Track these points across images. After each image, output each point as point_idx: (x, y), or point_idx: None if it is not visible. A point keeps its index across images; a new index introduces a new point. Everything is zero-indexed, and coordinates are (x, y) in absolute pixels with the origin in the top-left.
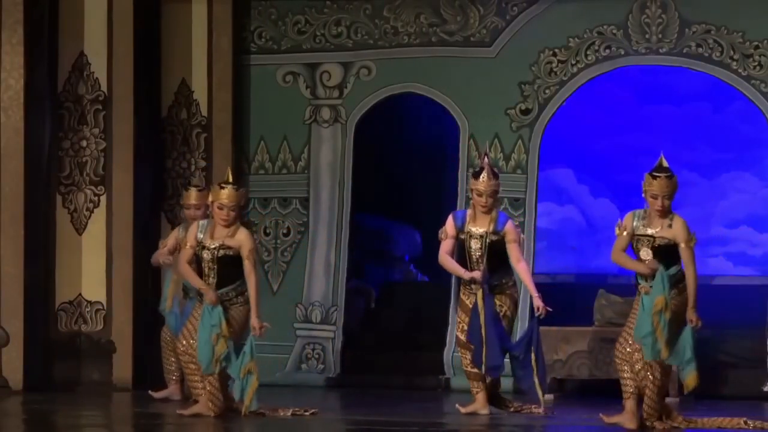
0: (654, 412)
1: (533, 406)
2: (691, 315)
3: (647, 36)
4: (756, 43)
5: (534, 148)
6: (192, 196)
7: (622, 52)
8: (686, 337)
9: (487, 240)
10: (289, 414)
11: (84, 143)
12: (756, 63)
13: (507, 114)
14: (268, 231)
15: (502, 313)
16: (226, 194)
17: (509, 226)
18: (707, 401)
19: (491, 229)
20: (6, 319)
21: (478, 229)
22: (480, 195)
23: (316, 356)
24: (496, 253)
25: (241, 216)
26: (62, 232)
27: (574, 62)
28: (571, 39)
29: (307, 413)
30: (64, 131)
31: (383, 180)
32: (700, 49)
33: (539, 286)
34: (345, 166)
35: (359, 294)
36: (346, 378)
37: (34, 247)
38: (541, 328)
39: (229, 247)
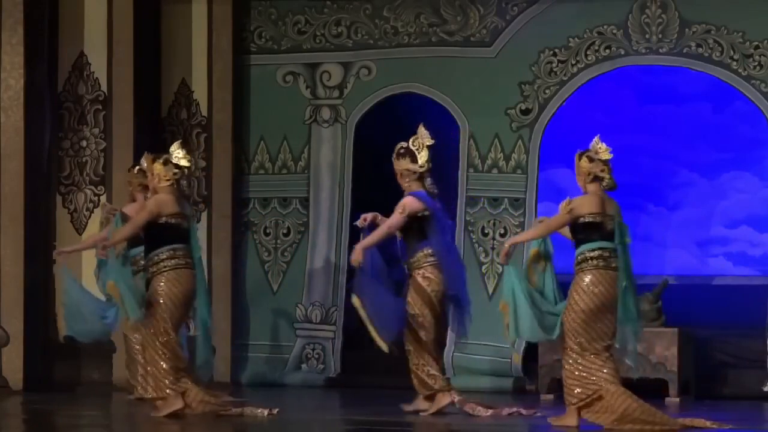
0: (571, 395)
1: (521, 409)
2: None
3: (647, 36)
4: (756, 43)
5: (534, 148)
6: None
7: (622, 52)
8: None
9: None
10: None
11: (84, 143)
12: (756, 63)
13: (507, 114)
14: (268, 231)
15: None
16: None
17: (403, 200)
18: (707, 401)
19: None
20: (6, 319)
21: None
22: None
23: (316, 356)
24: (406, 229)
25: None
26: (62, 232)
27: (574, 62)
28: (571, 39)
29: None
30: (64, 131)
31: (383, 180)
32: (700, 49)
33: None
34: (345, 166)
35: None
36: (346, 378)
37: (34, 247)
38: None
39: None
